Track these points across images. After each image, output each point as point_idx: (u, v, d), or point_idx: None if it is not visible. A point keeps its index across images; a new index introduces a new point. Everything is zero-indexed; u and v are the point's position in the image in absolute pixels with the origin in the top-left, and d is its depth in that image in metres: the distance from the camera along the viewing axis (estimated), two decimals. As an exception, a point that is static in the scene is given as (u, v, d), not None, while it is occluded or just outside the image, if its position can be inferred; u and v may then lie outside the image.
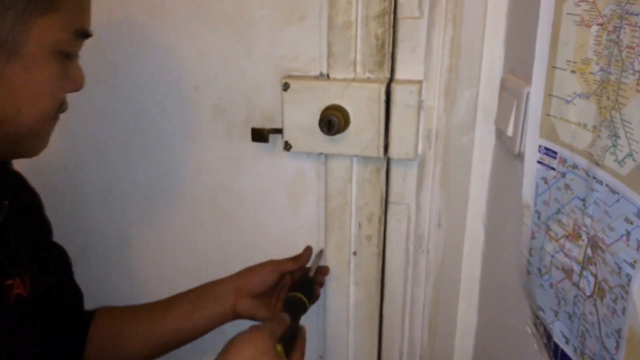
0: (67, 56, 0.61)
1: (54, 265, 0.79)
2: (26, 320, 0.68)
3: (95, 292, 1.09)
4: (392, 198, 0.88)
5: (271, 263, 0.89)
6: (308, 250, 0.92)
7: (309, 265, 0.90)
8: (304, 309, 0.79)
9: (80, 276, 1.08)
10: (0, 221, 0.64)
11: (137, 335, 0.84)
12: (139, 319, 0.85)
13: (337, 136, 0.82)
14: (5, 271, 0.65)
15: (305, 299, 0.79)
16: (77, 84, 0.65)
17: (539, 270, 0.59)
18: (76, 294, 0.84)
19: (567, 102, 0.51)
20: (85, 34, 0.62)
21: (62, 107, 0.64)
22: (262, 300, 0.86)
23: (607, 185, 0.45)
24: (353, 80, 0.82)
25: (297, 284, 0.84)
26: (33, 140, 0.63)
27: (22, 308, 0.66)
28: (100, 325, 0.84)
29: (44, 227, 0.79)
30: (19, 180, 0.76)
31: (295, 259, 0.90)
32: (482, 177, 0.85)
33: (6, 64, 0.55)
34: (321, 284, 0.91)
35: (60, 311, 0.78)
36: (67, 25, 0.59)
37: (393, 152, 0.82)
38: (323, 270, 0.92)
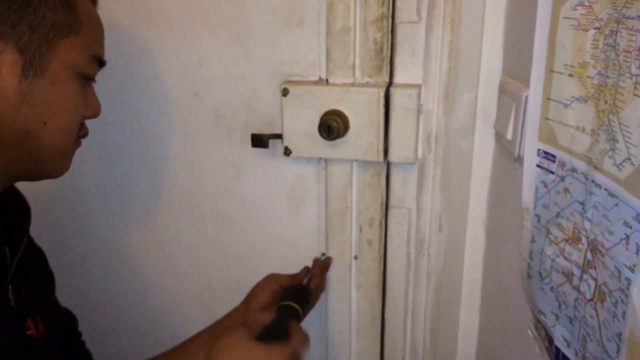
0: (86, 79, 0.66)
1: (63, 323, 0.80)
2: None
3: (97, 297, 1.10)
4: (392, 202, 0.88)
5: (269, 275, 0.89)
6: (305, 269, 0.92)
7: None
8: (297, 317, 0.78)
9: (82, 281, 1.09)
10: (18, 256, 0.67)
11: None
12: None
13: (337, 141, 0.82)
14: (24, 308, 0.66)
15: (298, 308, 0.78)
16: (94, 111, 0.70)
17: (540, 273, 0.59)
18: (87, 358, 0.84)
19: (566, 105, 0.51)
20: (100, 61, 0.68)
21: (82, 130, 0.68)
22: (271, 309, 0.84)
23: (606, 189, 0.45)
24: (352, 84, 0.82)
25: (290, 292, 0.82)
26: (56, 158, 0.65)
27: (34, 349, 0.67)
28: None
29: (51, 278, 0.81)
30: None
31: (294, 276, 0.90)
32: (482, 181, 0.85)
33: (34, 79, 0.59)
34: (322, 285, 0.91)
35: None
36: (86, 49, 0.64)
37: (393, 156, 0.82)
38: (325, 264, 0.92)
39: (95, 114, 0.70)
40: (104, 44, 0.70)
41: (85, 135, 0.70)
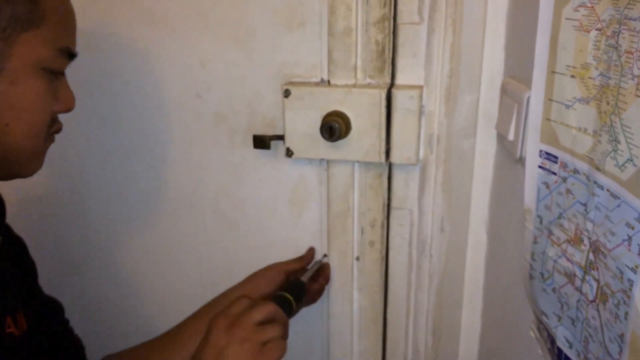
0: (53, 74, 0.61)
1: (48, 311, 0.77)
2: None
3: (98, 299, 1.10)
4: (394, 203, 0.88)
5: (276, 265, 0.90)
6: (311, 250, 0.93)
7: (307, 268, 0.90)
8: (289, 310, 0.77)
9: (83, 284, 1.09)
10: None
11: None
12: (152, 351, 0.82)
13: (339, 142, 0.82)
14: (3, 307, 0.64)
15: (292, 299, 0.78)
16: (66, 105, 0.65)
17: (542, 274, 0.59)
18: (77, 346, 0.82)
19: (567, 106, 0.51)
20: (70, 53, 0.63)
21: (54, 126, 0.64)
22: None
23: (608, 190, 0.45)
24: (354, 86, 0.82)
25: (287, 285, 0.83)
26: (24, 159, 0.62)
27: (14, 347, 0.64)
28: None
29: (32, 268, 0.78)
30: (6, 225, 0.75)
31: (299, 259, 0.92)
32: (484, 182, 0.85)
33: None
34: (322, 287, 0.91)
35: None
36: (50, 42, 0.60)
37: (395, 157, 0.82)
38: (324, 272, 0.92)
39: (68, 108, 0.65)
40: (74, 34, 0.64)
41: (58, 131, 0.65)
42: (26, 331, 0.67)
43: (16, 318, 0.66)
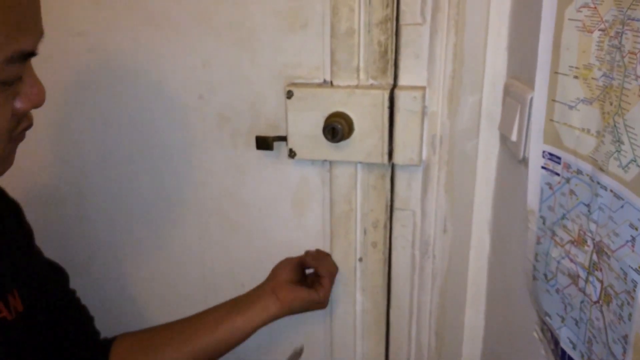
0: (7, 84, 0.52)
1: (48, 283, 0.73)
2: (15, 349, 0.62)
3: (101, 301, 1.09)
4: (397, 204, 0.88)
5: (288, 260, 0.91)
6: (318, 251, 0.94)
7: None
8: None
9: (86, 286, 1.09)
10: None
11: (172, 350, 0.80)
12: (173, 333, 0.82)
13: (342, 143, 0.82)
14: None
15: None
16: (32, 102, 0.56)
17: (545, 275, 0.59)
18: (84, 317, 0.80)
19: (571, 107, 0.51)
20: (27, 55, 0.52)
21: (21, 125, 0.57)
22: (300, 284, 0.87)
23: (611, 191, 0.45)
24: (356, 87, 0.82)
25: None
26: None
27: (7, 333, 0.61)
28: (123, 350, 0.80)
29: (28, 234, 0.74)
30: None
31: (305, 253, 0.93)
32: (487, 182, 0.85)
33: None
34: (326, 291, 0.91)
35: (66, 338, 0.74)
36: None
37: (397, 158, 0.82)
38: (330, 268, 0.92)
39: (34, 104, 0.57)
40: (29, 29, 0.52)
41: (27, 127, 0.58)
42: (22, 312, 0.63)
43: (8, 300, 0.61)
